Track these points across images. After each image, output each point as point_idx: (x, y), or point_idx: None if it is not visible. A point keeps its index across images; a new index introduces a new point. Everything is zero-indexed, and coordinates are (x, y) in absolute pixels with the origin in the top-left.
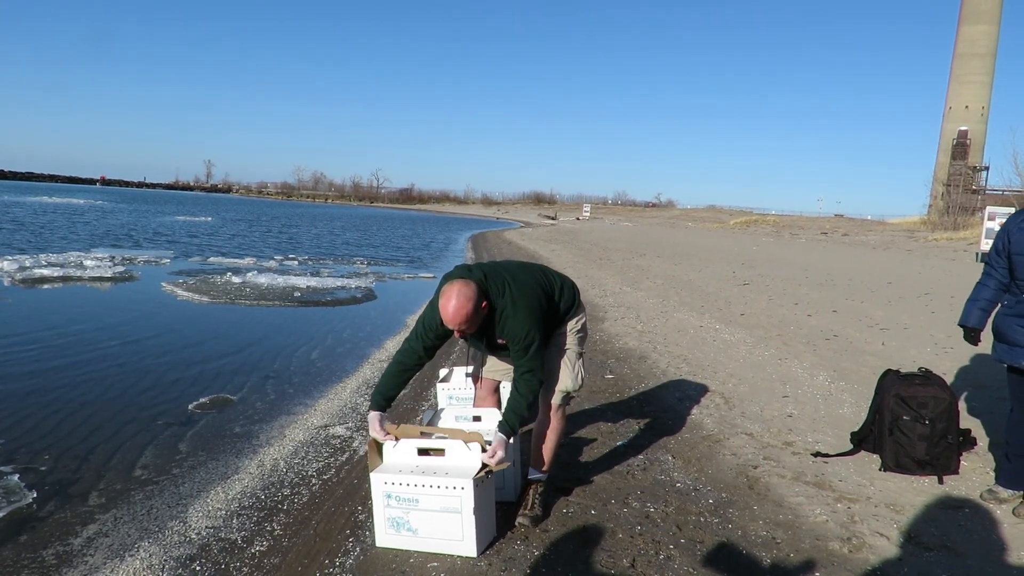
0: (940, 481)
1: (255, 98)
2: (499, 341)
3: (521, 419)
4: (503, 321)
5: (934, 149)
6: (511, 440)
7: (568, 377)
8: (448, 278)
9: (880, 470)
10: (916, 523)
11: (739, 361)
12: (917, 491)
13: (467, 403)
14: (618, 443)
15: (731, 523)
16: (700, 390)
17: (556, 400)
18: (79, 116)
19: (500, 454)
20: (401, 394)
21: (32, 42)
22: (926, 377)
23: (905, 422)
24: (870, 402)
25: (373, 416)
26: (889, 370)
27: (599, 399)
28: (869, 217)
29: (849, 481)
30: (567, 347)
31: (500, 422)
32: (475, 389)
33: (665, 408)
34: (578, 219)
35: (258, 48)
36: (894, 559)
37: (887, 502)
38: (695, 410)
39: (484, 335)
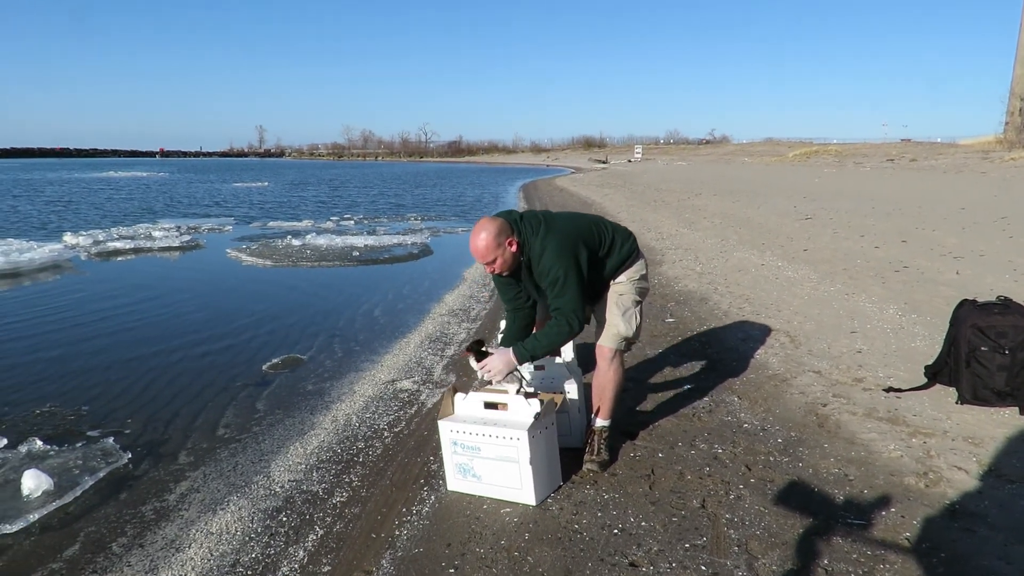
0: (1021, 412)
1: (301, 61)
2: (541, 285)
3: (534, 352)
4: (535, 258)
5: (1010, 61)
6: (516, 362)
7: (621, 322)
8: None
9: (957, 403)
10: (996, 455)
11: (803, 298)
12: (997, 423)
13: None
14: (682, 387)
15: (801, 462)
16: (764, 330)
17: (611, 345)
18: (135, 91)
19: (493, 364)
20: (464, 348)
21: (92, 20)
22: (1005, 306)
23: (983, 353)
24: (944, 334)
25: (503, 350)
26: (965, 300)
27: (661, 343)
28: (939, 140)
29: (924, 415)
30: (623, 294)
31: (517, 343)
32: None
33: (728, 349)
34: (629, 161)
35: (300, 9)
36: (973, 492)
37: (965, 435)
38: (760, 350)
39: (531, 281)
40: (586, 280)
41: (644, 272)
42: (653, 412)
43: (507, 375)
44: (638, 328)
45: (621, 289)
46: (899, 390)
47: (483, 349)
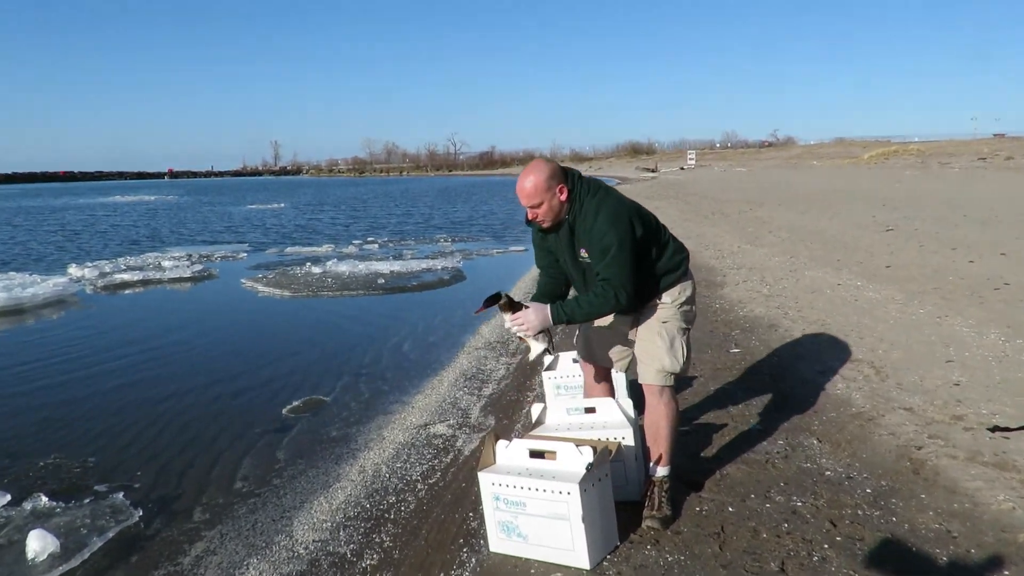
0: None
1: (317, 69)
2: (582, 253)
3: (572, 316)
4: (585, 221)
5: None
6: (552, 320)
7: (666, 356)
8: None
9: None
10: None
11: (888, 323)
12: None
13: (577, 392)
14: (752, 427)
15: (895, 516)
16: (844, 360)
17: (656, 381)
18: (141, 109)
19: (528, 318)
20: (503, 386)
21: (89, 34)
22: None
23: None
24: None
25: (539, 305)
26: None
27: (725, 377)
28: None
29: None
30: (666, 320)
31: (555, 302)
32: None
33: (804, 383)
34: (682, 168)
35: (315, 16)
36: None
37: None
38: (840, 384)
39: (571, 251)
40: (639, 258)
41: (691, 294)
42: (719, 458)
43: (539, 332)
44: (686, 360)
45: (665, 315)
46: (1007, 429)
47: (516, 301)
